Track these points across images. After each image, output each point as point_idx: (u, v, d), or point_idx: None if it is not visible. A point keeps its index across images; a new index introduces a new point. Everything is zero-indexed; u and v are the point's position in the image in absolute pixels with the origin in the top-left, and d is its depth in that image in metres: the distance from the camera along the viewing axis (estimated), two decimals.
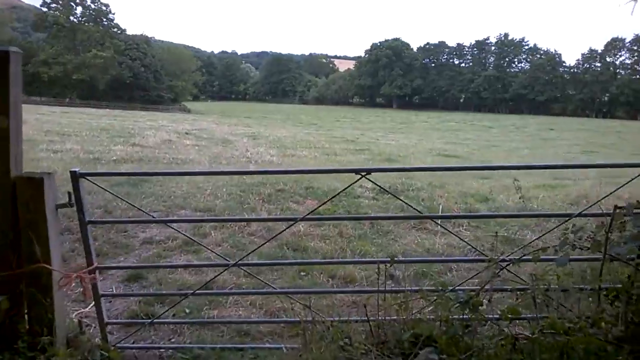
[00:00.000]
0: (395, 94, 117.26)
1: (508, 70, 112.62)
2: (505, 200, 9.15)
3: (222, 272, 3.83)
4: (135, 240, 6.34)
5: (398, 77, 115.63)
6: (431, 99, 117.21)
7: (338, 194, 3.69)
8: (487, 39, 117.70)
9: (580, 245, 3.42)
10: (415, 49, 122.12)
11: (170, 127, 25.83)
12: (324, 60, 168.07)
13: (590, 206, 3.60)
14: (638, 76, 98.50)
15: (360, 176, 3.37)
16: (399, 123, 63.38)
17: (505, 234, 7.00)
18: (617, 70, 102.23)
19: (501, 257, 3.71)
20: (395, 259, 3.56)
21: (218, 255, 4.25)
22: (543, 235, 3.62)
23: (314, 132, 34.62)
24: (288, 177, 10.11)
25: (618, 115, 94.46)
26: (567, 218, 3.55)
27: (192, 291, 3.68)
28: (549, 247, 3.60)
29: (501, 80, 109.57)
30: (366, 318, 3.68)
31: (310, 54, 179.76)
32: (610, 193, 3.65)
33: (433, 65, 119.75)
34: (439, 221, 3.59)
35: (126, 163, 12.91)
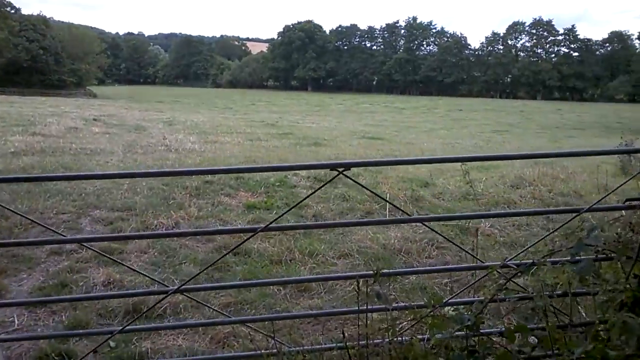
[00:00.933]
0: (310, 77, 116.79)
1: (417, 53, 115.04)
2: (446, 184, 8.77)
3: (160, 301, 3.00)
4: (41, 250, 5.28)
5: (312, 60, 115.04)
6: (345, 81, 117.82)
7: (312, 194, 2.91)
8: (397, 22, 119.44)
9: (604, 249, 2.91)
10: (327, 32, 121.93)
11: (76, 113, 23.76)
12: (237, 43, 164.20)
13: (600, 200, 3.07)
14: (537, 58, 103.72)
15: (337, 172, 2.68)
16: (315, 106, 62.94)
17: (459, 223, 6.56)
18: (518, 53, 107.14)
19: (503, 263, 3.15)
20: (383, 271, 2.89)
21: (145, 275, 3.41)
22: (551, 233, 3.06)
23: (231, 116, 33.38)
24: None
25: (520, 96, 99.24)
26: (576, 214, 3.01)
27: (119, 327, 2.84)
28: (560, 250, 3.07)
29: (411, 63, 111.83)
30: (344, 344, 3.01)
31: (222, 36, 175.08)
32: (618, 187, 3.15)
33: (346, 47, 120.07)
34: (425, 226, 2.98)
35: (26, 155, 11.37)
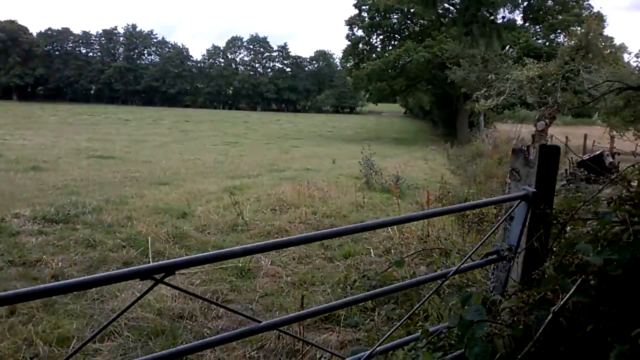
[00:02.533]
0: (15, 84, 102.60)
1: (139, 62, 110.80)
2: (208, 213, 7.92)
3: None
4: None
5: (16, 65, 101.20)
6: (58, 90, 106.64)
7: (131, 304, 1.73)
8: (115, 28, 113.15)
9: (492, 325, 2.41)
10: (35, 35, 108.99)
11: None
12: None
13: (465, 260, 2.61)
14: (255, 72, 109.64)
15: (155, 281, 1.63)
16: (23, 118, 55.11)
17: (239, 264, 5.77)
18: (238, 66, 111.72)
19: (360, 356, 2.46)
20: None
21: None
22: (420, 305, 2.47)
23: None
24: None
25: (241, 107, 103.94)
26: (444, 279, 2.49)
27: None
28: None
29: (132, 72, 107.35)
30: None
31: None
32: (484, 240, 2.76)
33: (57, 53, 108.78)
34: (280, 331, 2.13)
35: None
